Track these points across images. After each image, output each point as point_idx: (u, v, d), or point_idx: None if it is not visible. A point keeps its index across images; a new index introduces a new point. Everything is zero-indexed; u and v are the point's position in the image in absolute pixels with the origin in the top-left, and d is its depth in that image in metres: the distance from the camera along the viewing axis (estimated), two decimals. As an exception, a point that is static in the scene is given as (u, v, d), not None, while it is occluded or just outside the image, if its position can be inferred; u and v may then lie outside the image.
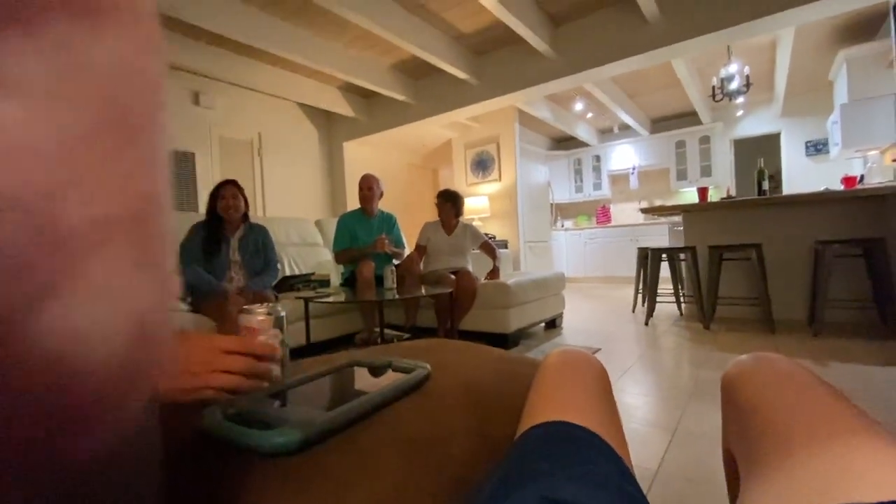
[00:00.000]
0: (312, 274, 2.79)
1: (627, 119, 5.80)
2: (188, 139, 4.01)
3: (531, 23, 3.33)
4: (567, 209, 7.50)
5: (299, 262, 3.13)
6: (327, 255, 3.39)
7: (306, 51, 3.66)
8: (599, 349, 2.54)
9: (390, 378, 0.61)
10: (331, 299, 2.10)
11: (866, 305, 2.74)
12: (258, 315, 0.64)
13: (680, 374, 2.03)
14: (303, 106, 5.05)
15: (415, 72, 4.47)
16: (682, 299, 3.59)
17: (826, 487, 0.24)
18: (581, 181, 7.13)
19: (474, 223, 5.58)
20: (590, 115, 6.14)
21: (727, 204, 3.23)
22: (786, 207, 3.11)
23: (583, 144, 6.99)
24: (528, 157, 5.95)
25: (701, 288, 3.04)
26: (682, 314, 3.56)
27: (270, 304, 0.66)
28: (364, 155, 5.58)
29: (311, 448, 0.45)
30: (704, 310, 2.99)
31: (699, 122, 6.12)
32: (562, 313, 3.38)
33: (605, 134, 7.03)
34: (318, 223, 3.59)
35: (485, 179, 5.62)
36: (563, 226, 7.26)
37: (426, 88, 4.58)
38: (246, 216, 2.35)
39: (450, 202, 3.02)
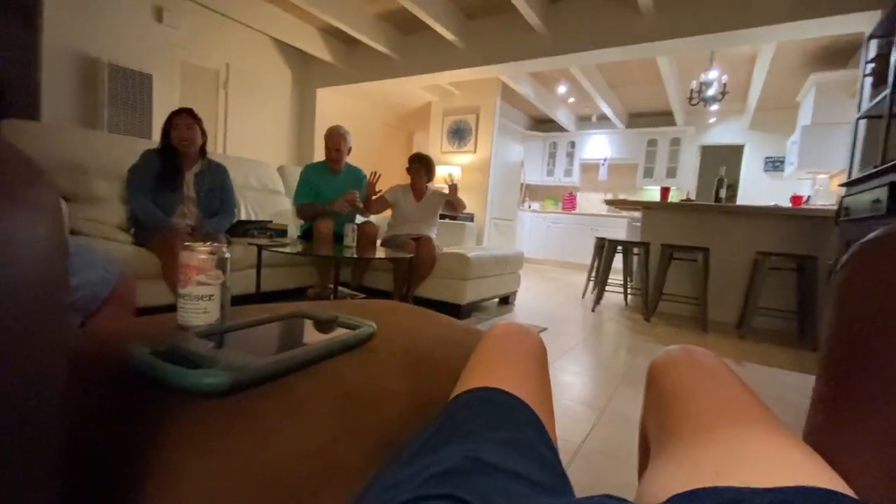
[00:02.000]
0: (270, 222, 2.69)
1: (606, 109, 5.85)
2: (146, 59, 3.68)
3: (527, -7, 3.24)
4: (536, 191, 7.58)
5: (257, 208, 3.00)
6: (287, 205, 3.27)
7: (288, -18, 3.40)
8: (545, 328, 2.64)
9: (335, 333, 0.60)
10: (287, 250, 2.04)
11: (790, 316, 2.98)
12: (200, 254, 0.61)
13: (616, 359, 2.15)
14: (278, 42, 4.73)
15: (402, 25, 4.26)
16: (629, 291, 3.76)
17: (722, 469, 0.25)
18: (553, 165, 7.19)
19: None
20: (571, 99, 6.14)
21: (684, 206, 3.37)
22: (736, 216, 3.28)
23: (560, 129, 7.02)
24: (506, 133, 5.91)
25: (648, 282, 3.19)
26: (626, 305, 3.74)
27: (215, 245, 0.63)
28: (338, 105, 5.35)
29: (241, 392, 0.44)
30: (648, 303, 3.15)
31: (673, 123, 6.27)
32: (516, 291, 3.46)
33: (584, 121, 7.08)
34: (280, 169, 3.44)
35: (460, 150, 5.56)
36: (530, 207, 7.35)
37: (412, 45, 4.40)
38: (204, 151, 2.21)
39: (424, 167, 2.90)
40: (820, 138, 4.16)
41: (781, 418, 0.32)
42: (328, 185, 2.79)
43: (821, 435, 0.37)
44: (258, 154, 4.57)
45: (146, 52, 3.69)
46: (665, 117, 6.40)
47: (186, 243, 0.63)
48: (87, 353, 0.49)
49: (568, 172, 7.09)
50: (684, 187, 6.12)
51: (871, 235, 0.37)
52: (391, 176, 6.54)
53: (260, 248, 2.12)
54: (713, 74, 4.23)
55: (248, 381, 0.44)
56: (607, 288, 3.50)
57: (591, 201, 7.08)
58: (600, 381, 1.80)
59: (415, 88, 5.24)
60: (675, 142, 6.22)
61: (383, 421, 0.46)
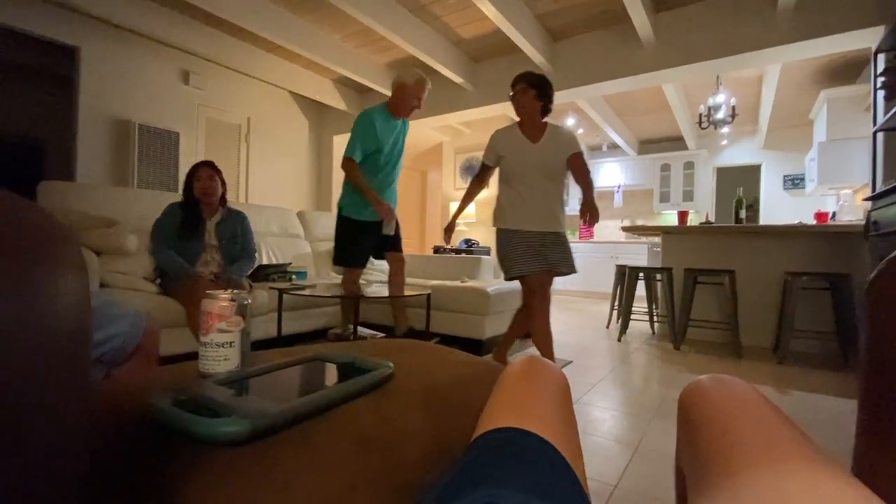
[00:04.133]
0: (289, 264, 2.74)
1: (616, 138, 5.91)
2: (173, 118, 3.92)
3: (530, 35, 3.37)
4: (551, 222, 7.58)
5: (277, 252, 3.07)
6: (306, 248, 3.34)
7: (304, 40, 3.63)
8: (571, 361, 2.56)
9: (352, 375, 0.60)
10: (306, 292, 2.07)
11: (829, 338, 2.84)
12: (221, 301, 0.62)
13: (647, 391, 2.06)
14: (295, 95, 4.99)
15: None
16: (655, 318, 3.65)
17: None
18: (568, 195, 7.21)
19: (459, 227, 5.58)
20: (580, 130, 6.22)
21: (705, 229, 3.31)
22: (760, 237, 3.20)
23: (572, 159, 7.09)
24: (518, 166, 5.99)
25: (674, 309, 3.10)
26: (654, 333, 3.62)
27: (235, 291, 0.65)
28: (354, 150, 5.54)
29: (260, 440, 0.43)
30: (676, 330, 3.05)
31: (685, 148, 6.27)
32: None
33: (594, 151, 7.14)
34: (300, 215, 3.54)
35: (473, 185, 5.65)
36: (546, 238, 7.32)
37: (421, 89, 4.58)
38: (224, 200, 2.30)
39: (535, 88, 2.00)
40: (838, 153, 4.09)
41: (830, 449, 0.30)
42: (386, 131, 2.36)
43: (867, 464, 0.34)
44: (278, 201, 4.73)
45: (173, 111, 3.93)
46: (676, 142, 6.41)
47: (209, 291, 0.65)
48: (109, 405, 0.50)
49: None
50: (702, 210, 6.03)
51: (894, 254, 0.36)
52: (410, 215, 6.66)
53: (281, 292, 2.15)
54: (721, 98, 4.26)
55: (266, 428, 0.44)
56: (632, 316, 3.40)
57: (609, 229, 7.02)
58: (632, 416, 1.72)
59: (426, 130, 5.41)
60: (689, 165, 6.19)
61: (402, 465, 0.45)
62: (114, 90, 3.57)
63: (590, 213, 1.96)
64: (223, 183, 2.25)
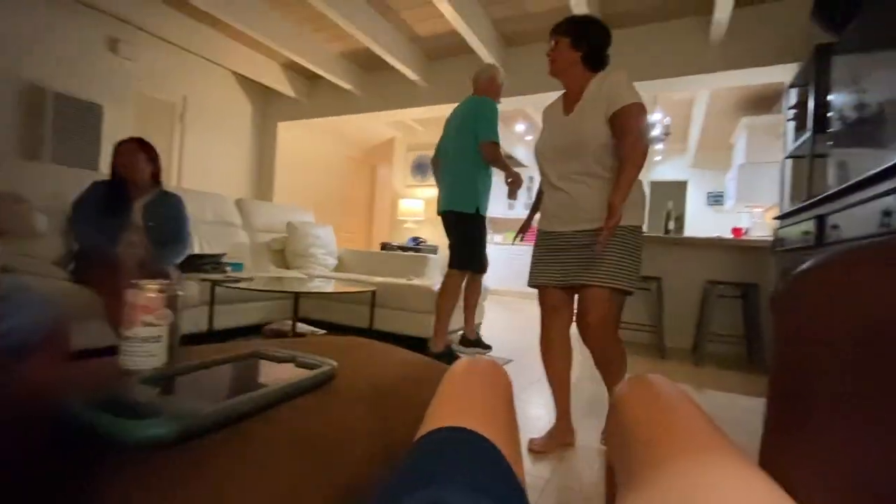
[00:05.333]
0: (223, 255, 2.59)
1: (562, 147, 6.15)
2: (97, 89, 3.55)
3: (485, 38, 3.42)
4: (499, 224, 7.75)
5: (212, 241, 2.89)
6: (244, 238, 3.17)
7: (251, 19, 3.43)
8: (511, 360, 2.64)
9: (293, 373, 0.58)
10: (242, 285, 1.96)
11: (739, 341, 3.14)
12: (148, 292, 0.58)
13: (581, 389, 2.16)
14: (239, 77, 4.72)
15: (365, 63, 4.37)
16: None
17: (684, 500, 0.26)
18: (514, 199, 7.41)
19: (407, 224, 5.56)
20: (528, 137, 6.42)
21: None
22: (684, 247, 3.47)
23: (519, 165, 7.29)
24: (468, 167, 6.07)
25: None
26: (588, 334, 3.81)
27: (166, 282, 0.60)
28: (300, 139, 5.34)
29: (191, 441, 0.41)
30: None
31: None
32: (480, 323, 3.46)
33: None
34: (239, 203, 3.36)
35: (423, 183, 5.64)
36: (493, 239, 7.48)
37: (374, 82, 4.51)
38: (157, 180, 2.12)
39: (569, 35, 1.49)
40: (753, 175, 4.53)
41: (739, 441, 0.33)
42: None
43: (773, 458, 0.38)
44: (215, 187, 4.44)
45: (97, 82, 3.57)
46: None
47: (134, 281, 0.60)
48: (11, 407, 0.44)
49: (528, 206, 7.29)
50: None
51: (801, 268, 0.40)
52: (359, 209, 6.52)
53: (214, 283, 2.02)
54: (657, 116, 4.57)
55: (197, 429, 0.41)
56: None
57: (551, 233, 7.29)
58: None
59: (378, 124, 5.33)
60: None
61: (345, 466, 0.44)
62: (25, 50, 3.18)
63: (606, 228, 1.31)
64: (152, 161, 2.08)
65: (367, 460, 0.45)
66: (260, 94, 5.03)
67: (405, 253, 3.62)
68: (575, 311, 1.54)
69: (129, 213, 2.01)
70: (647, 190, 5.54)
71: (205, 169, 4.46)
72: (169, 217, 2.09)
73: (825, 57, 2.17)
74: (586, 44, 1.48)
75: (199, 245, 2.79)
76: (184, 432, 0.40)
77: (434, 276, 3.52)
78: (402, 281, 2.83)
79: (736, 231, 3.80)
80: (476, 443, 0.37)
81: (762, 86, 3.90)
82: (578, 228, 1.47)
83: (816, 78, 2.31)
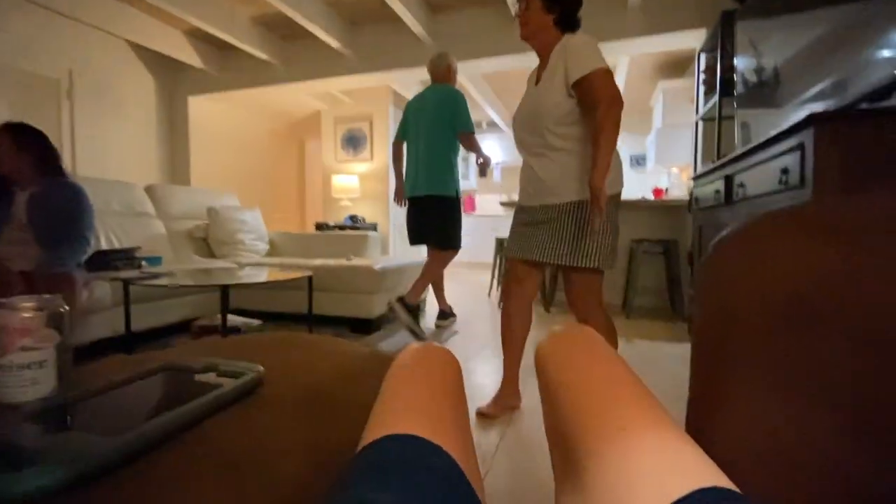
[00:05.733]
0: (137, 248, 2.35)
1: (494, 116, 6.16)
2: (-48, 62, 2.99)
3: (409, 3, 3.27)
4: (436, 196, 7.72)
5: (122, 234, 2.61)
6: (159, 229, 2.89)
7: (141, -22, 3.02)
8: (457, 332, 2.68)
9: (213, 385, 0.52)
10: (161, 281, 1.79)
11: (663, 294, 3.41)
12: (22, 311, 0.49)
13: (528, 353, 2.25)
14: (136, 47, 4.18)
15: (281, 30, 4.04)
16: (530, 285, 3.99)
17: (624, 496, 0.25)
18: (485, 177, 7.39)
19: (343, 202, 5.37)
20: (461, 106, 6.36)
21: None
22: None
23: (454, 134, 7.24)
24: (401, 140, 5.92)
25: (545, 277, 3.41)
26: (529, 299, 3.96)
27: (45, 297, 0.51)
28: (216, 114, 4.90)
29: (88, 487, 0.35)
30: (546, 295, 3.37)
31: (554, 127, 6.83)
32: (425, 298, 3.47)
33: (477, 127, 7.38)
34: (150, 189, 3.04)
35: (356, 158, 5.43)
36: (431, 211, 7.46)
37: (294, 51, 4.19)
38: (44, 170, 1.84)
39: None
40: (670, 138, 4.82)
41: (665, 386, 0.34)
42: None
43: (699, 424, 0.39)
44: (119, 174, 3.99)
45: (-48, 54, 3.00)
46: (546, 121, 6.94)
47: (4, 300, 0.50)
48: None
49: (465, 176, 7.33)
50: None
51: (720, 237, 0.40)
52: (287, 188, 6.17)
53: (126, 282, 1.83)
54: (583, 82, 4.68)
55: (95, 471, 0.36)
56: (510, 285, 3.67)
57: (490, 202, 7.40)
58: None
59: (301, 96, 5.00)
60: (557, 143, 6.77)
61: (277, 484, 0.40)
62: None
63: (592, 203, 1.28)
64: (27, 147, 1.79)
65: (304, 477, 0.42)
66: (163, 65, 4.50)
67: (342, 232, 3.50)
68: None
69: (8, 205, 1.74)
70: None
71: (104, 153, 3.97)
72: (60, 210, 1.83)
73: (730, 23, 2.31)
74: (559, 5, 1.39)
75: (106, 240, 2.51)
76: (77, 478, 0.34)
77: (374, 254, 3.44)
78: (342, 262, 2.74)
79: (657, 192, 4.06)
80: (423, 453, 0.34)
81: (677, 50, 4.10)
82: (541, 203, 1.46)
83: (722, 43, 2.46)
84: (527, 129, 1.47)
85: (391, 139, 5.35)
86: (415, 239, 2.70)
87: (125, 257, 2.23)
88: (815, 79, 1.40)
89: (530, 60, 3.65)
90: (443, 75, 2.62)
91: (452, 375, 0.45)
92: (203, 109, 4.71)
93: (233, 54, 4.37)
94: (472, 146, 2.58)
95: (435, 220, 2.61)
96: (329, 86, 4.33)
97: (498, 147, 7.09)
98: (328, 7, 3.62)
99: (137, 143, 4.29)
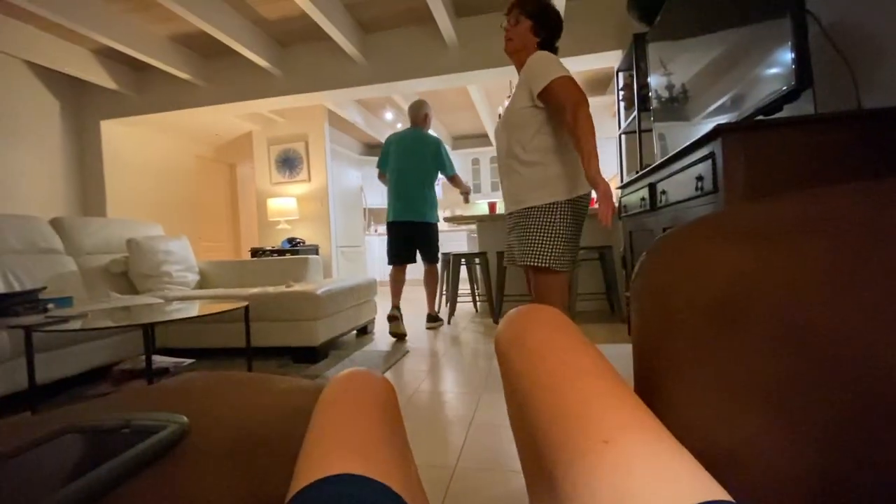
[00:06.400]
0: (42, 289, 2.09)
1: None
2: None
3: (340, 24, 3.25)
4: (380, 214, 7.64)
5: (23, 274, 2.32)
6: (69, 265, 2.61)
7: (38, -6, 2.76)
8: (408, 352, 2.63)
9: (127, 445, 0.46)
10: (72, 325, 1.60)
11: (601, 297, 3.57)
12: None
13: (475, 367, 2.25)
14: (36, 68, 3.81)
15: (203, 49, 3.86)
16: (477, 298, 4.03)
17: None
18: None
19: (280, 226, 5.17)
20: (399, 125, 6.39)
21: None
22: (551, 220, 3.81)
23: (393, 152, 7.24)
24: (340, 159, 5.83)
25: (491, 288, 3.46)
26: (477, 311, 3.99)
27: None
28: (133, 138, 4.55)
29: None
30: (494, 307, 3.42)
31: (490, 144, 7.04)
32: (374, 318, 3.39)
33: (414, 144, 7.44)
34: (56, 223, 2.74)
35: (292, 179, 5.26)
36: (376, 230, 7.36)
37: (219, 71, 4.01)
38: None
39: (532, 18, 1.51)
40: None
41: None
42: None
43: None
44: (18, 206, 3.57)
45: None
46: (483, 138, 7.15)
47: None
48: None
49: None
50: (508, 198, 6.90)
51: (652, 246, 0.42)
52: (217, 215, 5.83)
53: (28, 330, 1.61)
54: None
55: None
56: (459, 299, 3.68)
57: (432, 218, 7.44)
58: (465, 394, 1.85)
59: (230, 117, 4.79)
60: (494, 160, 6.98)
61: (204, 553, 0.36)
62: None
63: (600, 201, 1.31)
64: None
65: (235, 535, 0.37)
66: (69, 87, 4.13)
67: (281, 257, 3.35)
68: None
69: None
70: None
71: (1, 185, 3.54)
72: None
73: (642, 44, 2.52)
74: (547, 31, 1.50)
75: (4, 282, 2.21)
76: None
77: (317, 277, 3.32)
78: (281, 289, 2.61)
79: (591, 202, 4.28)
80: (364, 493, 0.31)
81: (599, 69, 4.40)
82: (510, 210, 1.60)
83: (636, 63, 2.67)
84: (500, 141, 1.61)
85: (329, 159, 5.27)
86: (396, 259, 3.17)
87: (27, 300, 1.97)
88: (717, 95, 1.55)
89: (463, 80, 3.76)
90: (421, 121, 3.24)
91: (385, 401, 0.42)
92: (118, 134, 4.37)
93: (150, 74, 4.11)
94: (459, 185, 3.37)
95: (422, 241, 3.19)
96: (259, 106, 4.18)
97: (438, 164, 7.18)
98: (254, 25, 3.52)
99: (41, 173, 3.87)
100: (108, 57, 3.89)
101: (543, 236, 1.47)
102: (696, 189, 1.34)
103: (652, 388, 0.37)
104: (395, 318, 3.01)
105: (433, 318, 3.35)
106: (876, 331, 0.26)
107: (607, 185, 1.32)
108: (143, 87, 4.18)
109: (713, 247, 0.34)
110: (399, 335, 3.00)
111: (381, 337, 3.16)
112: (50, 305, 2.04)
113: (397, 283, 3.22)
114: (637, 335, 0.40)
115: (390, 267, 3.22)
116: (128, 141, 4.48)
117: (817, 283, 0.29)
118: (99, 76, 3.86)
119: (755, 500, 0.26)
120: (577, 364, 0.35)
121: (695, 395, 0.34)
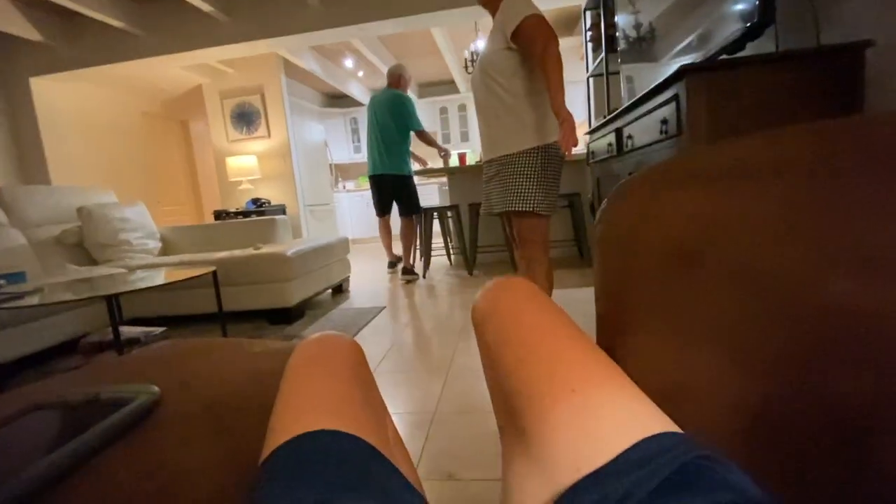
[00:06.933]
0: (-10, 267, 1.98)
1: (397, 81, 5.98)
2: None
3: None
4: (347, 170, 7.42)
5: (-35, 251, 2.17)
6: (17, 239, 2.45)
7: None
8: (384, 307, 2.66)
9: (98, 418, 0.45)
10: (27, 301, 1.53)
11: (571, 244, 3.66)
12: None
13: (451, 317, 2.30)
14: (-60, 16, 3.36)
15: (138, -7, 3.48)
16: (451, 251, 4.06)
17: (577, 462, 0.25)
18: (359, 141, 7.11)
19: (242, 186, 4.96)
20: (360, 73, 6.07)
21: (480, 168, 3.73)
22: (521, 169, 3.79)
23: (358, 103, 6.92)
24: (301, 112, 5.54)
25: (465, 240, 3.48)
26: (451, 264, 4.04)
27: None
28: (70, 95, 4.17)
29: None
30: (468, 258, 3.46)
31: (458, 91, 6.81)
32: (348, 277, 3.38)
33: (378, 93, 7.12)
34: (-6, 193, 2.54)
35: (251, 136, 4.99)
36: (344, 187, 7.18)
37: (157, 18, 3.65)
38: None
39: None
40: (566, 94, 5.06)
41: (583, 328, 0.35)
42: None
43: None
44: (-51, 176, 3.28)
45: None
46: (450, 86, 6.89)
47: None
48: None
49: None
50: (478, 149, 6.79)
51: (612, 193, 0.42)
52: (170, 176, 5.53)
53: (-20, 308, 1.53)
54: (480, 44, 4.68)
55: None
56: (433, 253, 3.69)
57: (402, 172, 7.29)
58: (442, 344, 1.91)
59: (175, 69, 4.42)
60: (462, 108, 6.79)
61: (189, 513, 0.36)
62: None
63: (562, 129, 1.34)
64: None
65: (222, 494, 0.38)
66: (-14, 40, 3.69)
67: (246, 219, 3.24)
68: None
69: None
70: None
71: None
72: None
73: (608, -20, 2.42)
74: None
75: (-57, 259, 2.07)
76: None
77: (286, 238, 3.25)
78: (249, 251, 2.55)
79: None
80: (332, 445, 0.32)
81: (566, 7, 4.23)
82: (489, 157, 1.62)
83: (604, 1, 2.58)
84: (477, 86, 1.59)
85: (289, 112, 5.00)
86: (381, 210, 3.56)
87: (-26, 278, 1.86)
88: (684, 33, 1.52)
89: (427, 22, 3.55)
90: (395, 82, 3.43)
91: (354, 360, 0.43)
92: (53, 92, 3.98)
93: (80, 24, 3.70)
94: (427, 141, 3.47)
95: (397, 193, 3.44)
96: (206, 56, 3.86)
97: (404, 114, 6.93)
98: (192, -35, 3.18)
99: (-33, 138, 3.53)
100: (30, 5, 3.46)
101: (527, 181, 1.50)
102: (661, 133, 1.34)
103: (613, 330, 0.39)
104: (393, 265, 3.58)
105: (408, 272, 3.44)
106: (822, 271, 0.28)
107: (570, 116, 1.36)
108: (73, 39, 3.77)
109: (669, 192, 0.35)
110: (410, 278, 3.41)
111: (357, 295, 3.18)
112: (1, 282, 1.93)
113: (387, 235, 3.66)
114: (599, 279, 0.41)
115: (378, 220, 3.66)
116: (64, 99, 4.10)
117: (768, 225, 0.30)
118: (22, 28, 3.45)
119: (704, 427, 0.28)
120: (547, 326, 0.37)
121: (652, 334, 0.35)
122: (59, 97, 4.05)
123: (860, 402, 0.22)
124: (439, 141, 6.91)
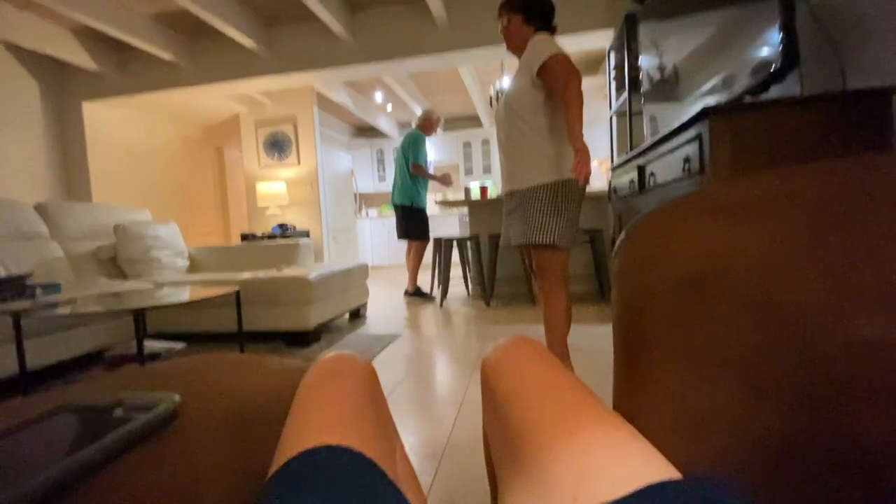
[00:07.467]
0: (28, 275, 2.07)
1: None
2: None
3: (326, 1, 3.18)
4: (371, 198, 7.60)
5: (9, 260, 2.29)
6: (56, 251, 2.58)
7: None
8: (400, 335, 2.65)
9: (119, 423, 0.46)
10: (61, 310, 1.59)
11: (591, 279, 3.61)
12: None
13: (468, 349, 2.28)
14: (14, 48, 3.68)
15: (187, 29, 3.75)
16: (469, 281, 4.05)
17: (574, 491, 0.25)
18: (384, 171, 7.30)
19: (270, 211, 5.12)
20: (389, 107, 6.31)
21: (501, 200, 3.77)
22: (542, 202, 3.82)
23: (384, 135, 7.16)
24: (330, 142, 5.75)
25: (483, 271, 3.48)
26: (469, 294, 4.02)
27: None
28: (117, 120, 4.45)
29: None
30: (486, 289, 3.44)
31: (481, 126, 6.98)
32: (366, 302, 3.40)
33: (405, 128, 7.36)
34: (40, 208, 2.69)
35: (282, 163, 5.19)
36: (367, 214, 7.33)
37: (203, 51, 3.91)
38: None
39: (520, 12, 1.59)
40: (589, 132, 5.13)
41: (600, 366, 0.34)
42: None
43: (623, 404, 0.41)
44: (1, 191, 3.50)
45: None
46: (474, 121, 7.08)
47: None
48: None
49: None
50: (499, 181, 6.88)
51: (632, 222, 0.43)
52: (204, 198, 5.76)
53: (16, 316, 1.60)
54: (505, 81, 4.83)
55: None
56: (451, 283, 3.70)
57: (426, 202, 7.41)
58: (457, 375, 1.88)
59: (216, 98, 4.69)
60: (486, 143, 6.93)
61: (199, 522, 0.37)
62: None
63: (577, 159, 1.39)
64: None
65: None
66: (49, 68, 4.01)
67: (271, 242, 3.33)
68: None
69: None
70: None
71: (-20, 169, 3.46)
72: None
73: (633, 24, 2.49)
74: (538, 18, 1.58)
75: (-13, 268, 2.18)
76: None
77: (308, 262, 3.31)
78: (272, 273, 2.60)
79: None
80: (347, 463, 0.33)
81: (590, 49, 4.35)
82: (510, 190, 1.66)
83: (627, 43, 2.65)
84: (501, 121, 1.65)
85: (318, 141, 5.20)
86: (398, 233, 3.96)
87: (13, 286, 1.95)
88: (708, 75, 1.54)
89: (453, 60, 3.71)
90: (421, 125, 3.87)
91: (365, 380, 0.44)
92: (102, 116, 4.26)
93: (133, 55, 4.00)
94: (419, 173, 3.80)
95: (401, 220, 3.87)
96: (246, 87, 4.10)
97: (429, 146, 7.12)
98: (239, 4, 3.42)
99: (22, 157, 3.79)
100: (89, 37, 3.77)
101: (547, 215, 1.53)
102: (684, 171, 1.35)
103: (629, 361, 0.39)
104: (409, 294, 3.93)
105: (408, 294, 3.93)
106: (836, 305, 0.27)
107: (585, 147, 1.41)
108: (125, 68, 4.07)
109: (687, 224, 0.35)
110: (409, 300, 3.85)
111: (374, 320, 3.18)
112: (38, 291, 2.02)
113: (410, 259, 3.98)
114: (616, 310, 0.42)
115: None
116: (111, 123, 4.38)
117: (783, 258, 0.30)
118: (79, 57, 3.75)
119: (722, 463, 0.27)
120: (553, 379, 0.38)
121: (668, 365, 0.35)
122: (106, 120, 4.33)
123: (885, 439, 0.22)
124: (461, 173, 7.05)
